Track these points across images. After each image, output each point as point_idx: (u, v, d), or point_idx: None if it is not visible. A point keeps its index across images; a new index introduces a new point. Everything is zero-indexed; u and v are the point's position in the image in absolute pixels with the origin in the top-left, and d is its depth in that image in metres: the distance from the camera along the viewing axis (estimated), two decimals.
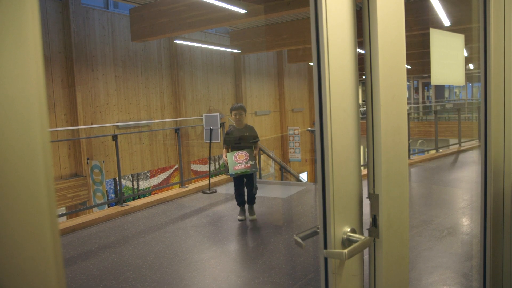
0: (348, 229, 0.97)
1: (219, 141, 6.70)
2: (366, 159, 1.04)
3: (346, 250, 0.90)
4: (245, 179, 4.37)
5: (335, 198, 0.94)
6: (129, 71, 9.23)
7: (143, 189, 9.51)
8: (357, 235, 0.97)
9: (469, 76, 14.34)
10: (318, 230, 0.99)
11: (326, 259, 0.96)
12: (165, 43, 10.04)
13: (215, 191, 5.92)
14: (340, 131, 0.95)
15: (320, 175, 0.95)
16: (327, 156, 0.93)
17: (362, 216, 1.03)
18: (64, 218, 5.60)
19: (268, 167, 12.18)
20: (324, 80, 0.91)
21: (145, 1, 7.59)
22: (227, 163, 4.27)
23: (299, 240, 1.07)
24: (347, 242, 0.96)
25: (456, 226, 4.03)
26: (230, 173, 4.22)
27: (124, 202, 5.16)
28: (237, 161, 4.20)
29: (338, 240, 0.96)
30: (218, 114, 6.69)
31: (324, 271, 0.97)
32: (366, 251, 1.05)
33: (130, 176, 9.31)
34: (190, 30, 7.63)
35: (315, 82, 0.94)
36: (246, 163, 4.20)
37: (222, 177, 6.84)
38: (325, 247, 0.95)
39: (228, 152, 4.37)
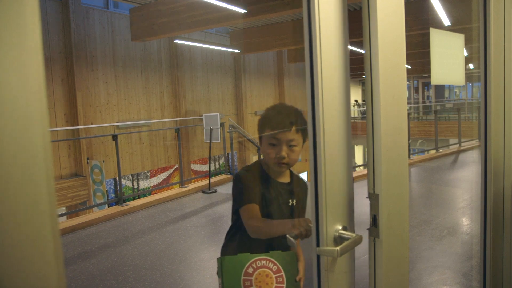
0: (340, 227, 0.98)
1: (219, 141, 6.69)
2: (366, 159, 1.04)
3: (338, 248, 0.91)
4: None
5: (327, 197, 0.95)
6: (129, 71, 9.23)
7: (143, 189, 9.51)
8: (348, 233, 0.98)
9: (469, 76, 14.33)
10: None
11: (318, 257, 0.97)
12: (165, 43, 10.03)
13: (215, 191, 5.92)
14: (332, 130, 0.95)
15: (313, 174, 0.95)
16: (320, 155, 0.94)
17: (354, 214, 1.04)
18: (64, 218, 5.60)
19: None
20: (316, 79, 0.92)
21: (145, 1, 7.58)
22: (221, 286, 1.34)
23: (291, 239, 1.09)
24: (339, 239, 0.97)
25: (456, 226, 4.03)
26: None
27: (124, 202, 5.16)
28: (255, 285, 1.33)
29: (330, 237, 0.97)
30: (218, 114, 6.70)
31: (316, 268, 0.98)
32: (366, 251, 1.05)
33: (130, 176, 9.30)
34: (190, 30, 7.62)
35: (308, 82, 0.94)
36: None
37: (222, 177, 6.84)
38: (318, 244, 0.96)
39: (228, 248, 1.58)
